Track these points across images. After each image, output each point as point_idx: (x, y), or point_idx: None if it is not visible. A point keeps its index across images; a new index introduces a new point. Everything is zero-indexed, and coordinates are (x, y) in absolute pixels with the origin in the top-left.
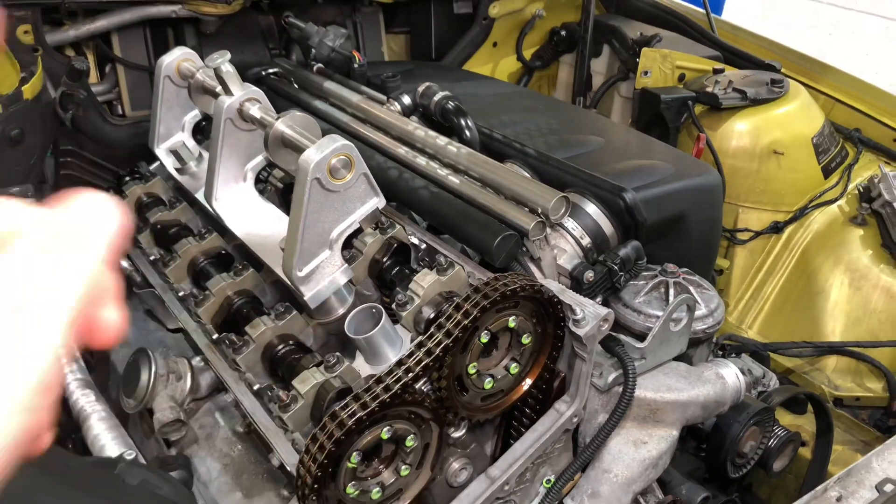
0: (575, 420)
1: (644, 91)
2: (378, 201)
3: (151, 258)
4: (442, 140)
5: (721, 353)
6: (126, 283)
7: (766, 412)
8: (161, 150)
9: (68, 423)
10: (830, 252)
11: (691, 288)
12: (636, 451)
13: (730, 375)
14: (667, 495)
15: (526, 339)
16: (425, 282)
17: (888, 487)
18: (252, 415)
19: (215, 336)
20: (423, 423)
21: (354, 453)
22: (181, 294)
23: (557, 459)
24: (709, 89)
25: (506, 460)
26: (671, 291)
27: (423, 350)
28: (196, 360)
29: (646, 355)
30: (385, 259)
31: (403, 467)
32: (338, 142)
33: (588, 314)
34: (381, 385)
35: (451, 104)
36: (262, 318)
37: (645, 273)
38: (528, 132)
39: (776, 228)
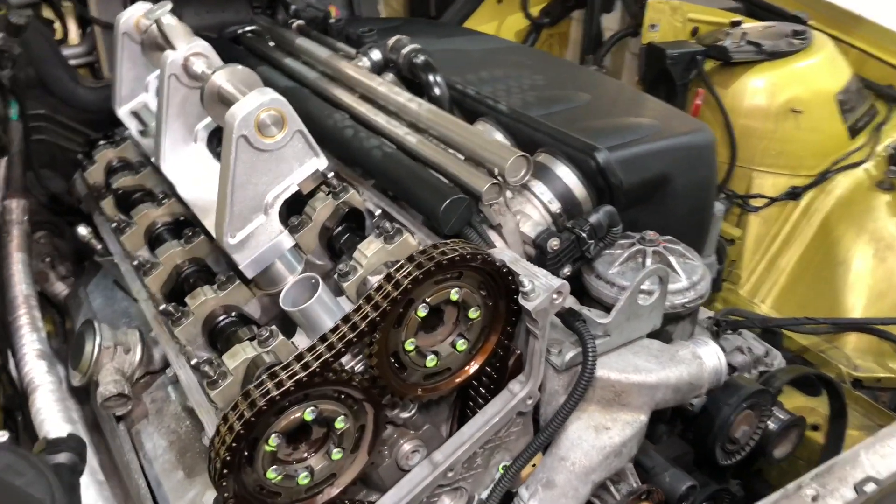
0: (529, 402)
1: (650, 46)
2: (318, 162)
3: (112, 225)
4: (404, 97)
5: (716, 328)
6: (87, 250)
7: (762, 394)
8: (123, 112)
9: (16, 395)
10: (854, 220)
11: (671, 258)
12: (596, 438)
13: (708, 355)
14: (644, 482)
15: (473, 314)
16: (369, 250)
17: (869, 487)
18: (188, 391)
19: (161, 307)
20: (356, 404)
21: (273, 436)
22: (135, 262)
23: (515, 444)
24: (721, 43)
25: (451, 444)
26: (648, 261)
27: (348, 324)
28: (152, 332)
29: (610, 331)
30: (336, 226)
31: (335, 451)
32: (266, 95)
33: (539, 286)
34: (300, 362)
35: (419, 58)
36: (203, 287)
37: (622, 241)
38: (508, 89)
39: (794, 194)
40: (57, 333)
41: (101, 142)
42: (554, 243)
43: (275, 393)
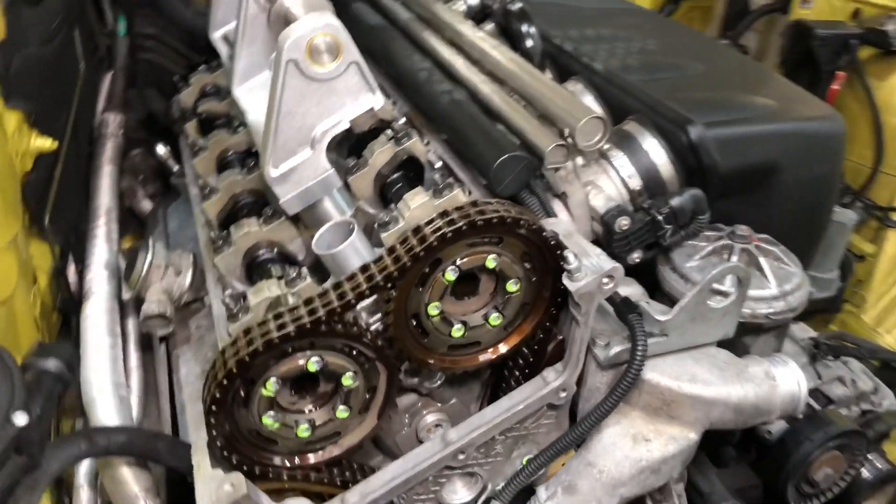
0: (563, 395)
1: (797, 24)
2: (373, 99)
3: (189, 148)
4: (489, 44)
5: (816, 350)
6: (163, 170)
7: (857, 436)
8: (216, 37)
9: (71, 300)
10: None
11: (763, 259)
12: (633, 448)
13: (785, 377)
14: None
15: (513, 287)
16: (414, 202)
17: None
18: (216, 322)
19: (212, 234)
20: (368, 363)
21: (272, 380)
22: (202, 187)
23: (545, 439)
24: (883, 27)
25: (468, 425)
26: (733, 259)
27: (364, 275)
28: None
29: (669, 331)
30: (391, 173)
31: (341, 408)
32: (322, 20)
33: (587, 266)
34: (308, 307)
35: (515, 6)
36: (250, 219)
37: (709, 233)
38: (612, 50)
39: None
40: None
41: (202, 66)
42: (623, 223)
43: (274, 335)
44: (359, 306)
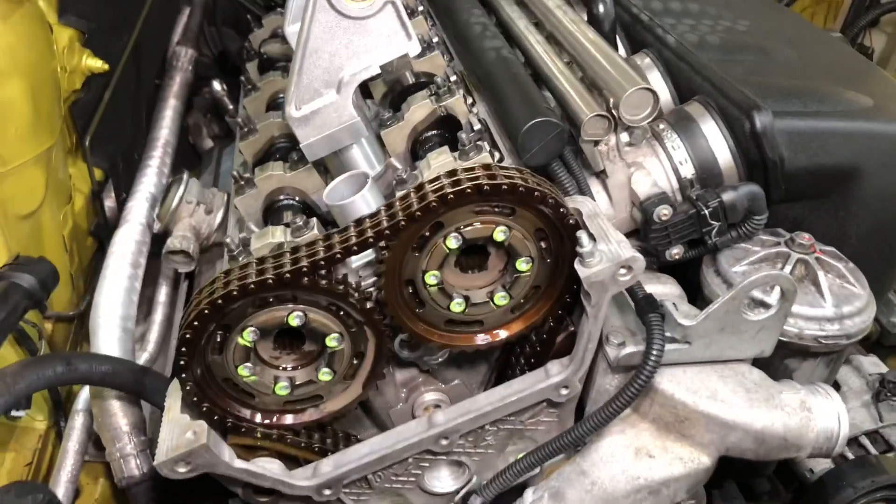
0: (564, 392)
1: None
2: (408, 45)
3: (246, 87)
4: (554, 2)
5: (880, 388)
6: (218, 107)
7: None
8: None
9: (106, 225)
10: None
11: (822, 274)
12: (633, 463)
13: (824, 411)
14: None
15: (523, 266)
16: (437, 161)
17: None
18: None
19: (234, 173)
20: (356, 326)
21: (249, 329)
22: (241, 125)
23: (544, 437)
24: None
25: (456, 409)
26: (787, 269)
27: (357, 229)
28: None
29: (692, 339)
30: (427, 130)
31: (324, 371)
32: None
33: (602, 252)
34: (293, 256)
35: None
36: (275, 163)
37: (765, 237)
38: (695, 25)
39: None
40: None
41: (279, 9)
42: (663, 212)
43: (252, 280)
44: (352, 263)
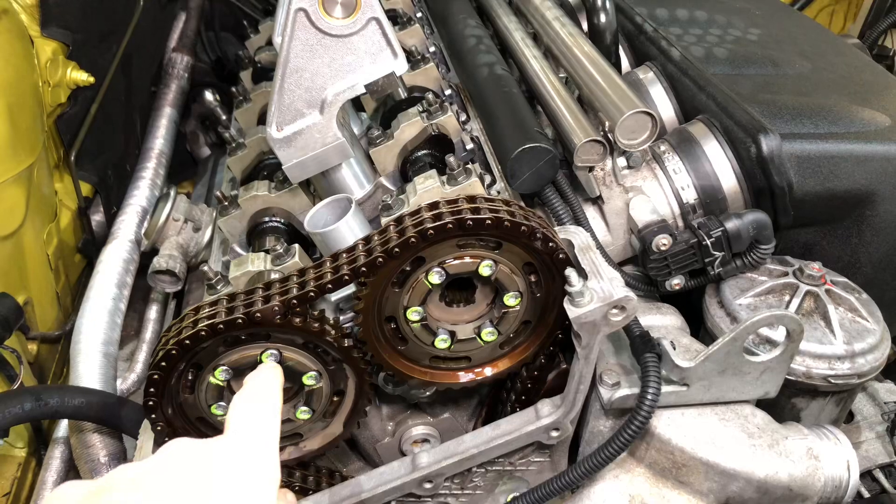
0: (554, 435)
1: None
2: (395, 63)
3: (239, 98)
4: (552, 14)
5: (889, 420)
6: (209, 120)
7: None
8: None
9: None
10: None
11: (832, 308)
12: None
13: (832, 458)
14: None
15: (511, 301)
16: (423, 186)
17: None
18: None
19: (218, 193)
20: (334, 364)
21: (221, 369)
22: (230, 140)
23: (536, 478)
24: None
25: (441, 451)
26: (794, 302)
27: (332, 265)
28: None
29: (691, 381)
30: (417, 150)
31: (302, 409)
32: None
33: (593, 290)
34: (265, 293)
35: None
36: (260, 182)
37: (772, 266)
38: (702, 36)
39: None
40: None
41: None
42: (662, 241)
43: (220, 320)
44: (331, 297)
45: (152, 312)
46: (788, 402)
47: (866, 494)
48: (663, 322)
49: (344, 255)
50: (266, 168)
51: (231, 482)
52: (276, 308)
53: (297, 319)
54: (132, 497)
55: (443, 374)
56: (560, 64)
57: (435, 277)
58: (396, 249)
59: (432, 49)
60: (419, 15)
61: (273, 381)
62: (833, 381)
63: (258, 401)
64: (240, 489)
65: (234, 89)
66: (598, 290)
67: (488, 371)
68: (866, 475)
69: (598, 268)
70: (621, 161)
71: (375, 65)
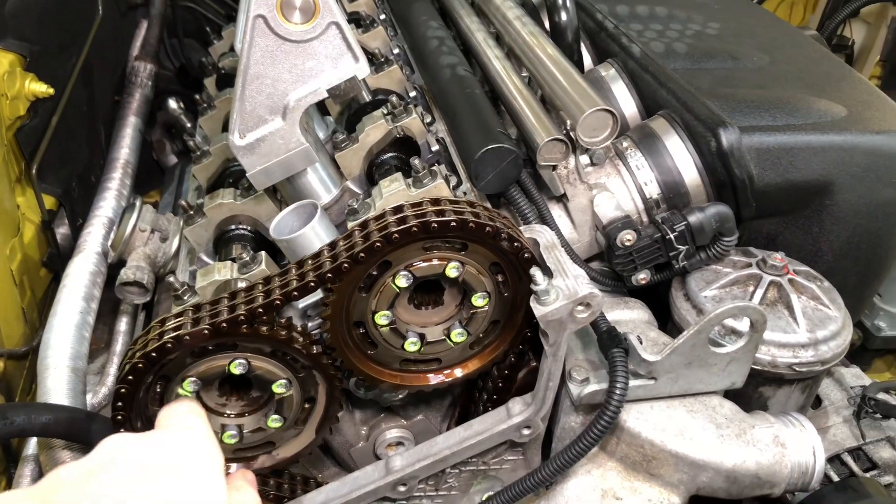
0: (526, 433)
1: None
2: (356, 67)
3: (203, 105)
4: (513, 13)
5: (860, 405)
6: (175, 127)
7: None
8: None
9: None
10: None
11: (795, 297)
12: None
13: (797, 444)
14: None
15: (479, 301)
16: (389, 189)
17: None
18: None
19: (180, 201)
20: (304, 371)
21: (189, 380)
22: (194, 149)
23: (510, 476)
24: None
25: (414, 454)
26: (758, 293)
27: (297, 272)
28: None
29: (658, 374)
30: (383, 153)
31: (273, 418)
32: None
33: (558, 288)
34: (230, 303)
35: None
36: (226, 190)
37: (736, 258)
38: (662, 31)
39: None
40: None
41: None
42: (626, 237)
43: (185, 332)
44: (299, 304)
45: (122, 324)
46: (756, 391)
47: (835, 478)
48: (631, 316)
49: (309, 262)
50: (232, 175)
51: (175, 468)
52: (242, 317)
53: (264, 328)
54: (77, 496)
55: (414, 376)
56: (522, 63)
57: (402, 281)
58: (362, 254)
59: (396, 51)
60: (382, 17)
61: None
62: (797, 368)
63: (180, 403)
64: (186, 472)
65: (197, 97)
66: (564, 288)
67: (458, 372)
68: (835, 459)
69: (563, 266)
70: (584, 159)
71: (337, 69)
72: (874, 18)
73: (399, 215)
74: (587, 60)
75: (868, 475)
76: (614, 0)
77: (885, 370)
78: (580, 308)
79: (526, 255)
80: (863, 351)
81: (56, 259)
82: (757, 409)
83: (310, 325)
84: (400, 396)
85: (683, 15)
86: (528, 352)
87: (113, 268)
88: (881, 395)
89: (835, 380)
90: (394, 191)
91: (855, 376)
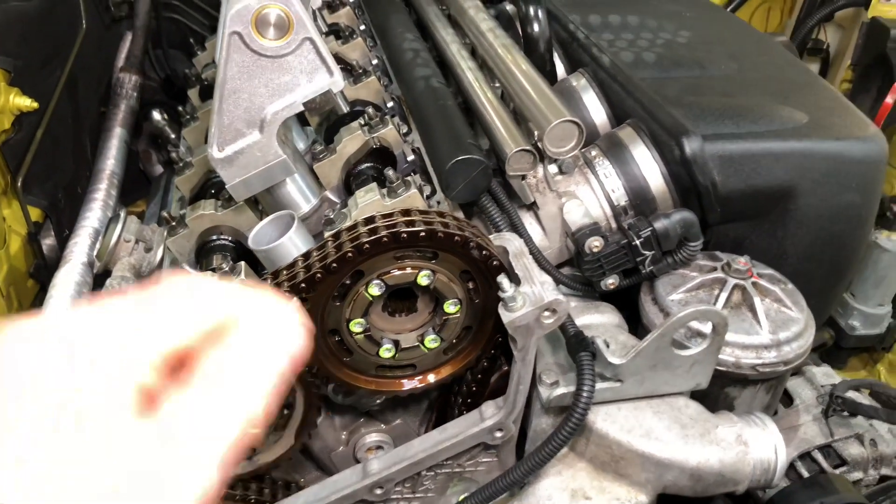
0: (498, 435)
1: (873, 22)
2: (330, 80)
3: (186, 117)
4: (486, 25)
5: (828, 403)
6: (160, 138)
7: None
8: None
9: (45, 266)
10: None
11: (758, 300)
12: None
13: (760, 443)
14: None
15: (451, 308)
16: (364, 199)
17: None
18: None
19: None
20: None
21: None
22: (176, 160)
23: (486, 478)
24: None
25: (391, 457)
26: (723, 296)
27: (273, 282)
28: None
29: (623, 377)
30: (360, 163)
31: None
32: None
33: (525, 295)
34: None
35: None
36: (207, 201)
37: (703, 262)
38: (633, 40)
39: None
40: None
41: None
42: (594, 244)
43: None
44: None
45: None
46: (722, 391)
47: (806, 475)
48: (601, 320)
49: (284, 272)
50: (214, 186)
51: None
52: None
53: None
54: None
55: (389, 382)
56: (494, 75)
57: (375, 289)
58: (334, 264)
59: (375, 62)
60: (362, 27)
61: None
62: (761, 369)
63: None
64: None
65: (180, 108)
66: (530, 295)
67: (431, 377)
68: (805, 456)
69: (530, 272)
70: (552, 168)
71: (312, 83)
72: (848, 23)
73: (370, 226)
74: (560, 70)
75: (837, 472)
76: (587, 9)
77: (860, 368)
78: (546, 314)
79: (494, 262)
80: (838, 350)
81: (42, 270)
82: (724, 409)
83: None
84: (378, 402)
85: (655, 24)
86: (501, 356)
87: (99, 278)
88: (849, 394)
89: (806, 379)
90: (368, 201)
91: (826, 375)
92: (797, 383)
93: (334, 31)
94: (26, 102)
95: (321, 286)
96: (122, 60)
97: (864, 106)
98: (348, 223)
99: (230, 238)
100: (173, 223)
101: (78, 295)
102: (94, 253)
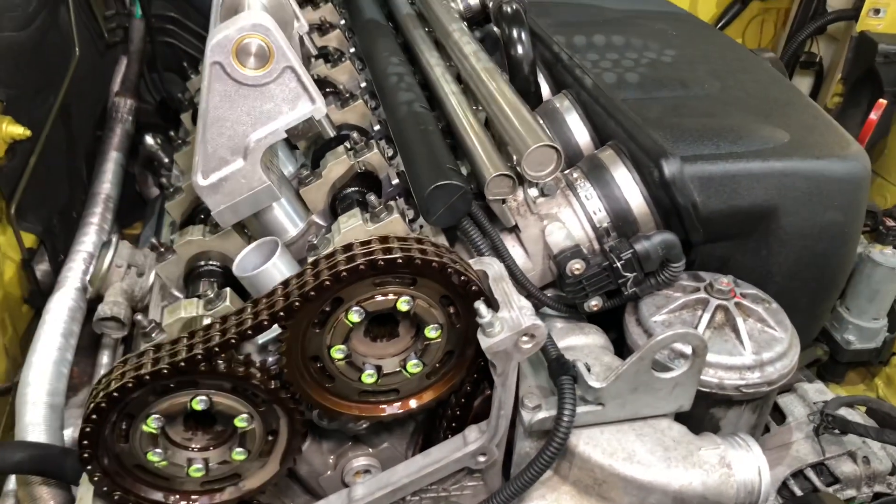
0: (482, 459)
1: (861, 36)
2: (314, 108)
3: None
4: (470, 48)
5: (820, 419)
6: (153, 161)
7: None
8: None
9: (38, 292)
10: None
11: (741, 320)
12: None
13: (743, 465)
14: None
15: (432, 333)
16: (347, 225)
17: None
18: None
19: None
20: (265, 405)
21: (153, 417)
22: (166, 185)
23: (472, 501)
24: None
25: (376, 482)
26: (705, 317)
27: (252, 311)
28: None
29: (605, 400)
30: (346, 187)
31: (238, 451)
32: (250, 20)
33: (503, 320)
34: (188, 342)
35: (510, 8)
36: (196, 227)
37: (686, 283)
38: (617, 61)
39: None
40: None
41: None
42: (576, 267)
43: (146, 371)
44: (258, 340)
45: (104, 358)
46: (707, 412)
47: (799, 493)
48: (586, 342)
49: (263, 300)
50: (203, 211)
51: None
52: (200, 356)
53: (222, 365)
54: None
55: (371, 407)
56: (476, 99)
57: (355, 316)
58: (312, 293)
59: (364, 84)
60: (352, 50)
61: None
62: (745, 390)
63: None
64: None
65: (172, 133)
66: (508, 320)
67: (413, 403)
68: (798, 475)
69: (509, 297)
70: (533, 191)
71: (294, 111)
72: (841, 35)
73: (348, 254)
74: (545, 91)
75: (831, 490)
76: (573, 30)
77: (858, 382)
78: (525, 339)
79: (474, 287)
80: (835, 364)
81: (37, 295)
82: (709, 430)
83: (269, 360)
84: (364, 426)
85: (640, 43)
86: (484, 380)
87: (92, 302)
88: (841, 411)
89: (798, 395)
90: (351, 226)
91: (818, 392)
92: (789, 400)
93: (323, 55)
94: (19, 130)
95: (300, 314)
96: (118, 85)
97: (855, 119)
98: (330, 249)
99: (218, 263)
100: (161, 249)
101: (71, 321)
102: (87, 278)
